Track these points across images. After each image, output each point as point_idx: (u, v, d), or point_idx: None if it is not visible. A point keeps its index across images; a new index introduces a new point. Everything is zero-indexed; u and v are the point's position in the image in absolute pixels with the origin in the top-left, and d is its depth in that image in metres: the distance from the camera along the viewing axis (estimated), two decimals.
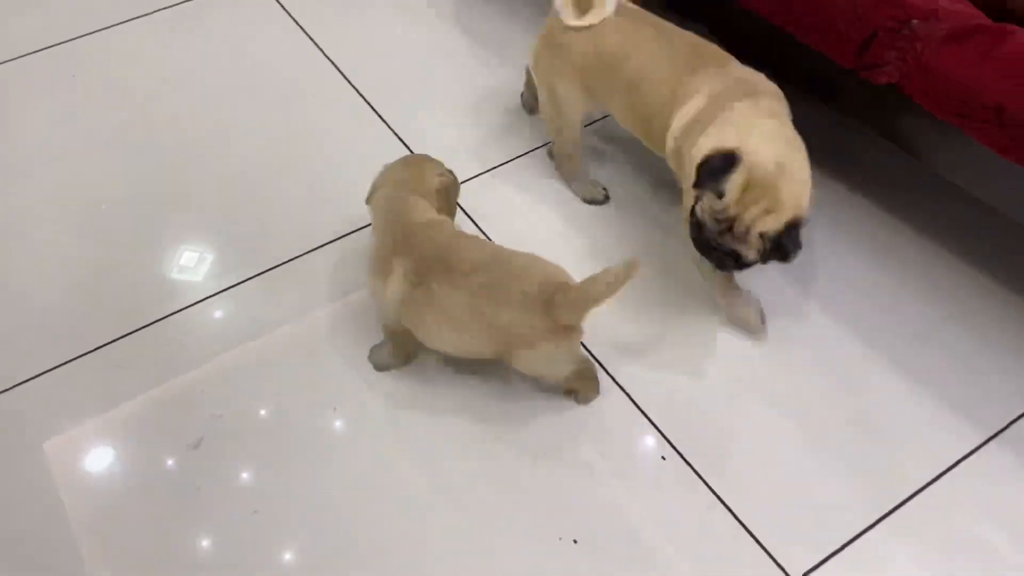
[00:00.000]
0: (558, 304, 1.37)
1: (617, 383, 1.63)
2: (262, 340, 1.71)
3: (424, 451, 1.56)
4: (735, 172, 1.38)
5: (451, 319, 1.43)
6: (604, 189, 1.93)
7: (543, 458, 1.54)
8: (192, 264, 1.85)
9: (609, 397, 1.61)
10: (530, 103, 2.08)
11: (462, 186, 1.83)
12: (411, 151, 2.06)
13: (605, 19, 1.67)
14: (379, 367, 1.64)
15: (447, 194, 1.64)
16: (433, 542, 1.45)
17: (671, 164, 1.64)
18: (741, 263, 1.47)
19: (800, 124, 1.51)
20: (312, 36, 2.38)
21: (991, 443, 1.55)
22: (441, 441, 1.56)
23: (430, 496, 1.50)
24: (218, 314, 1.77)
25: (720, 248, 1.46)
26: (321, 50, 2.34)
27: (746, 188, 1.38)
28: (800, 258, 1.46)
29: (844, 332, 1.70)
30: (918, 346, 1.68)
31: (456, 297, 1.41)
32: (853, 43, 1.47)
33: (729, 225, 1.41)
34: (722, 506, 1.48)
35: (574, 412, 1.59)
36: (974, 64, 1.34)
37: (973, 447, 1.54)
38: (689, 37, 1.65)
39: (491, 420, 1.59)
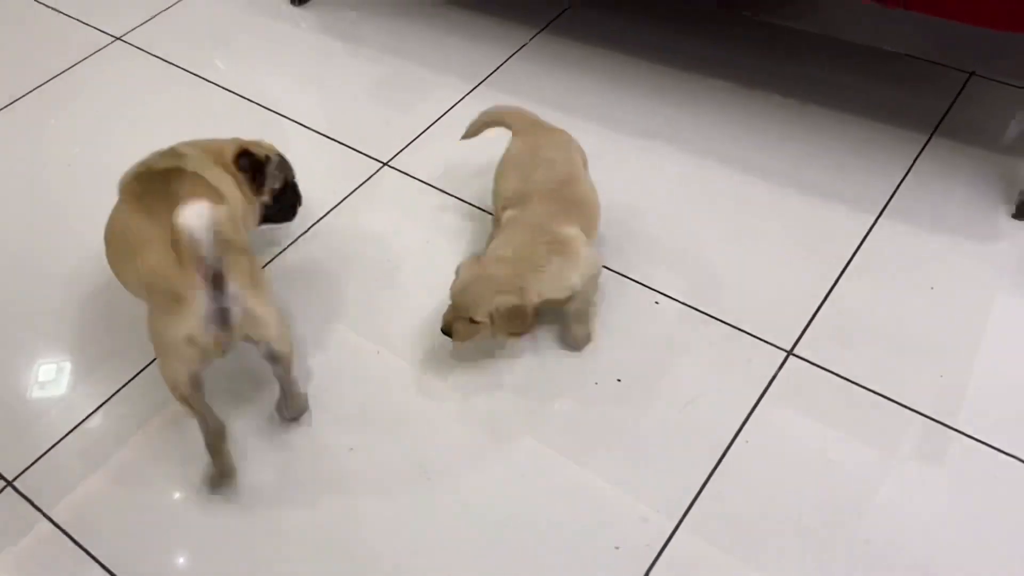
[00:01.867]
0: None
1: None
2: None
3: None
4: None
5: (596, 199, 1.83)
6: None
7: None
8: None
9: None
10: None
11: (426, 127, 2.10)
12: (352, 148, 2.30)
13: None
14: (590, 336, 1.80)
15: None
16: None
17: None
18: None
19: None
20: (205, 77, 2.54)
21: (881, 217, 2.01)
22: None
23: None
24: None
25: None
26: (221, 87, 2.51)
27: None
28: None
29: (748, 177, 2.12)
30: (800, 169, 2.13)
31: (584, 184, 1.83)
32: None
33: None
34: (711, 318, 1.84)
35: None
36: None
37: (872, 222, 2.00)
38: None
39: None
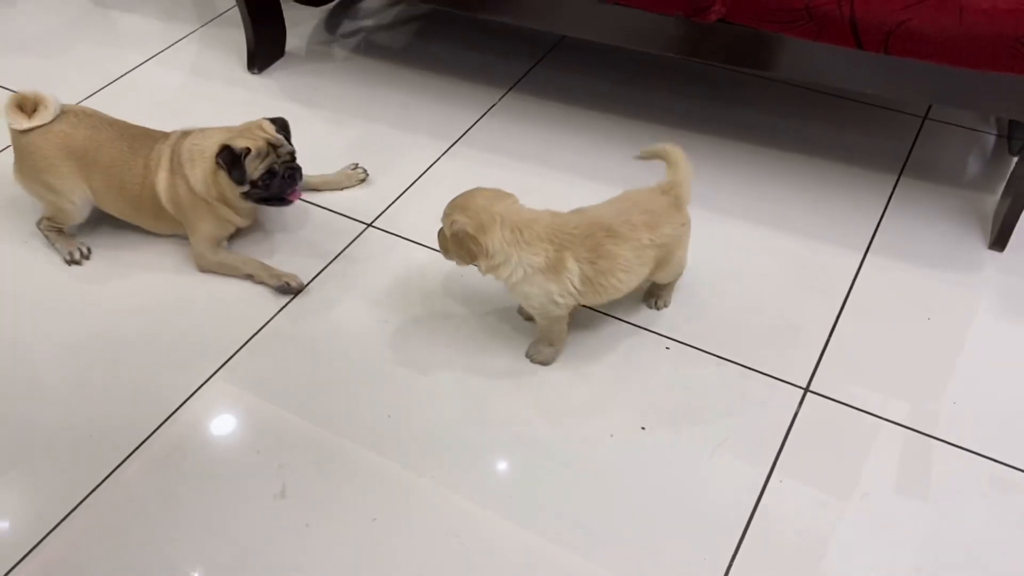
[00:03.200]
0: (681, 192, 1.74)
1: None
2: None
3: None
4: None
5: (629, 265, 1.68)
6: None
7: None
8: None
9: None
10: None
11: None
12: (332, 211, 2.23)
13: (59, 119, 1.97)
14: (547, 361, 1.83)
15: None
16: None
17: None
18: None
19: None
20: None
21: (868, 255, 2.08)
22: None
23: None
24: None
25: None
26: None
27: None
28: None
29: (736, 221, 2.17)
30: (783, 213, 2.18)
31: (630, 245, 1.67)
32: None
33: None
34: (725, 361, 1.84)
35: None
36: None
37: (860, 260, 2.06)
38: (134, 126, 2.05)
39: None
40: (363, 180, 2.29)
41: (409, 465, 1.68)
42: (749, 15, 1.91)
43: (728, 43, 2.00)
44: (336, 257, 2.10)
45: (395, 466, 1.68)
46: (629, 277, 1.72)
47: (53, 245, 2.09)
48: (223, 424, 1.78)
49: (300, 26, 2.86)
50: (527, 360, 1.85)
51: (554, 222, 1.69)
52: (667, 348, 1.88)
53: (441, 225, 1.73)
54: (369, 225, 2.19)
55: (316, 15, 2.93)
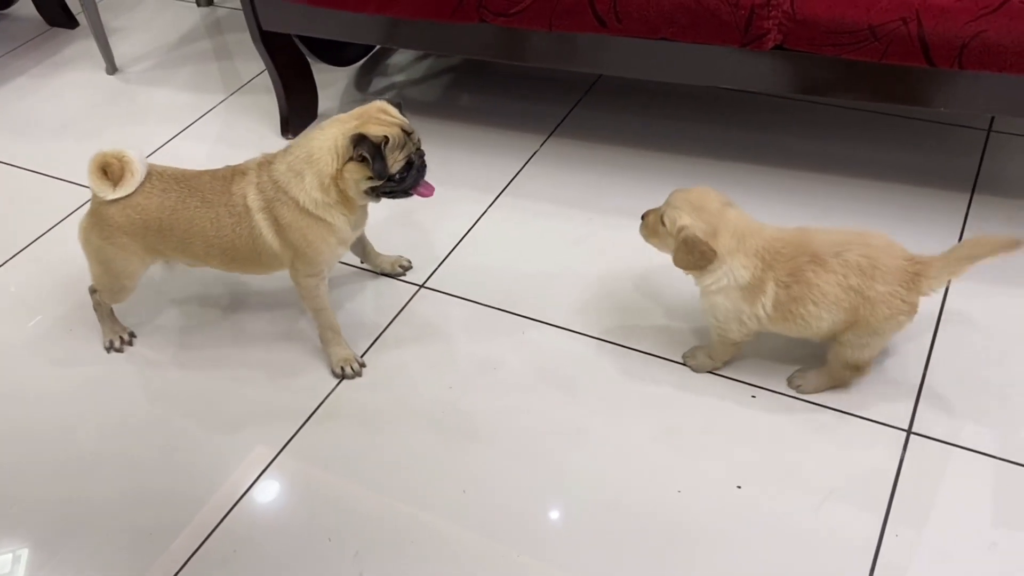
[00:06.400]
0: (926, 273, 1.55)
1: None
2: None
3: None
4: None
5: (827, 301, 1.56)
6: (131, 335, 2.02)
7: None
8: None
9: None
10: None
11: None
12: (383, 274, 2.15)
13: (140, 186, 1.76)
14: (699, 369, 1.80)
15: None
16: None
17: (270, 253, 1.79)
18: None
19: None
20: None
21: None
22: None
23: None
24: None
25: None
26: None
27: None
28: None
29: None
30: None
31: (831, 279, 1.54)
32: (736, 27, 1.85)
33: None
34: (818, 406, 1.72)
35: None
36: (839, 3, 1.76)
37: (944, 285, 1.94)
38: (207, 172, 1.81)
39: None
40: (403, 271, 2.14)
41: (492, 541, 1.57)
42: (807, 40, 1.82)
43: (787, 71, 1.91)
44: (391, 323, 2.01)
45: (477, 545, 1.57)
46: (819, 312, 1.58)
47: (99, 321, 2.01)
48: (290, 511, 1.68)
49: (331, 87, 2.81)
50: (603, 417, 1.74)
51: (771, 238, 1.60)
52: (753, 396, 1.76)
53: (651, 211, 1.68)
54: (421, 286, 2.10)
55: (346, 75, 2.89)
